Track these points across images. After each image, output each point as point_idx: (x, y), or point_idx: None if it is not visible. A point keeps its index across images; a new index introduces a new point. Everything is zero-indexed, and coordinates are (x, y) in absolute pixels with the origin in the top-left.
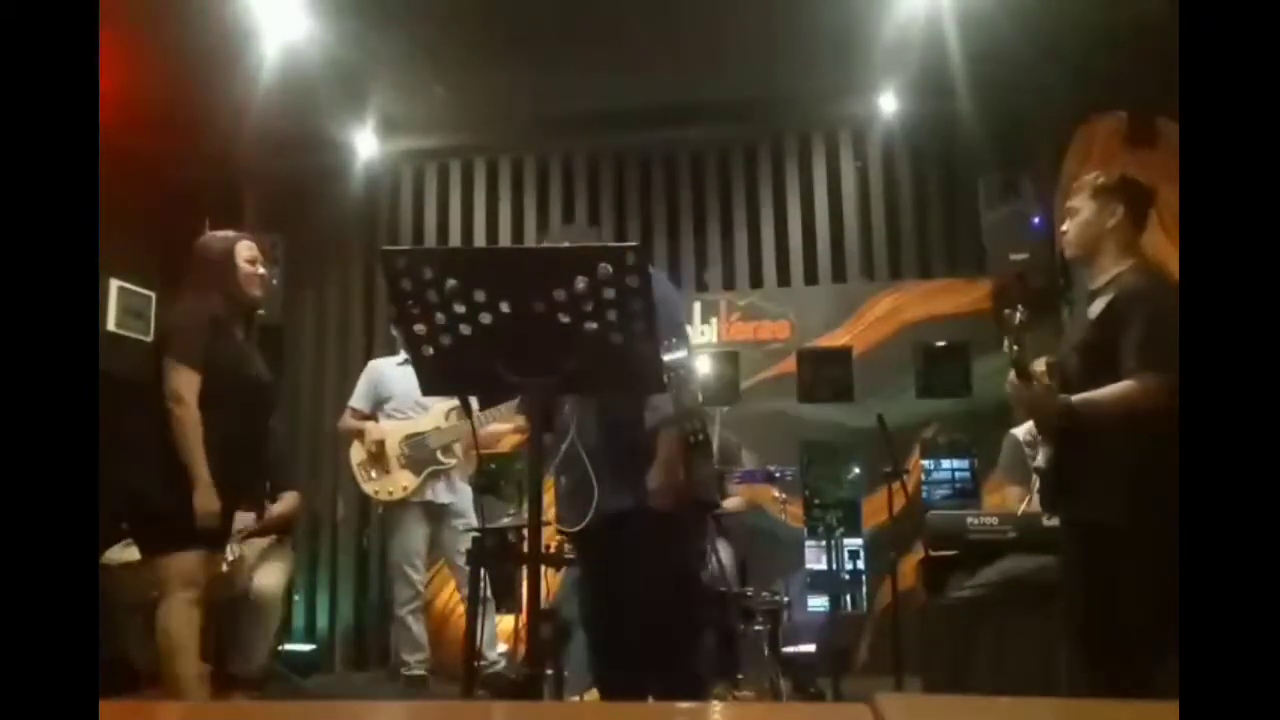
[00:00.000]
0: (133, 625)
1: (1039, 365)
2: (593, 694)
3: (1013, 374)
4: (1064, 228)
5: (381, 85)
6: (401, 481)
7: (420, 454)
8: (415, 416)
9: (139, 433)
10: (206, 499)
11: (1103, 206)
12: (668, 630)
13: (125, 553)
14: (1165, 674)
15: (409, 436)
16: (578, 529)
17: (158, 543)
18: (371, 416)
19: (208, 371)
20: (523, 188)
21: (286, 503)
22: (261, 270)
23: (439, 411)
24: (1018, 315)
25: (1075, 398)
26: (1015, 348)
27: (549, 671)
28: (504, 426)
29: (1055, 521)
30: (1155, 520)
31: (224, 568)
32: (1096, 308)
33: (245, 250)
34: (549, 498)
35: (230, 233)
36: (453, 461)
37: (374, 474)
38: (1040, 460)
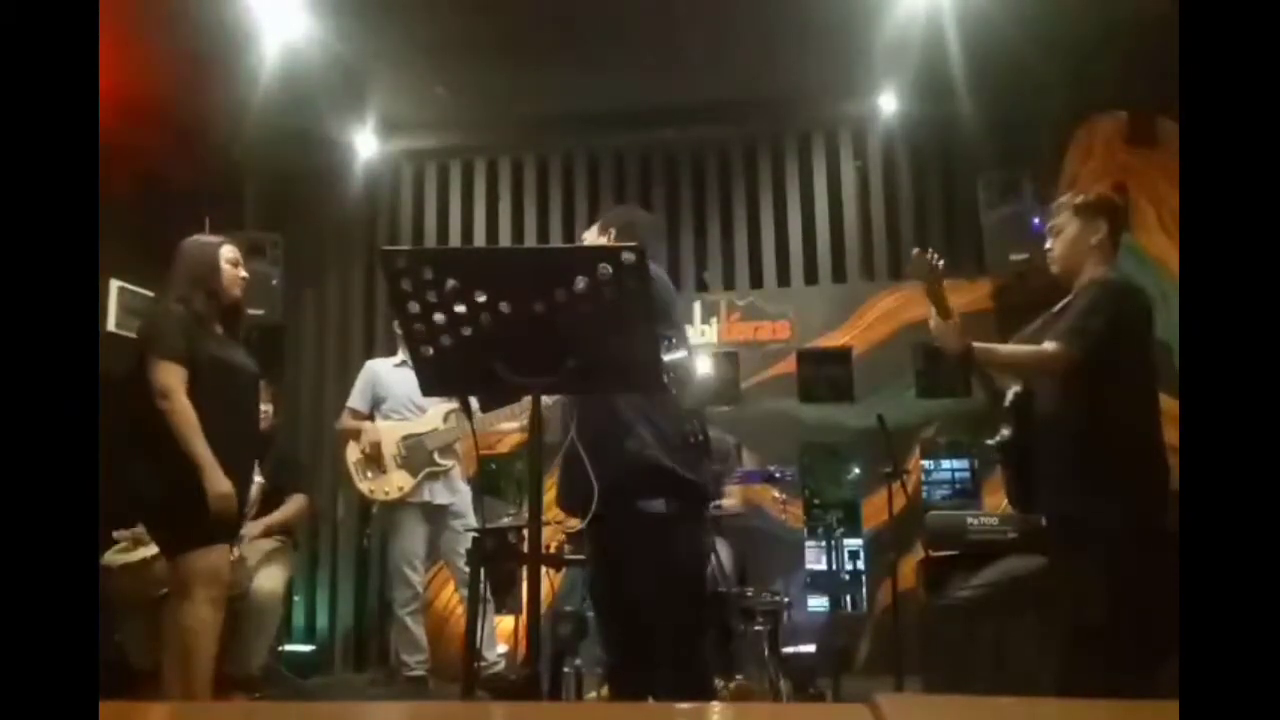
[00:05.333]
0: (133, 625)
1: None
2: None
3: (934, 312)
4: (1048, 245)
5: (381, 85)
6: (397, 481)
7: (417, 455)
8: (411, 417)
9: (147, 431)
10: (217, 481)
11: (1086, 223)
12: (672, 628)
13: (125, 553)
14: (1166, 671)
15: (406, 437)
16: (583, 525)
17: (180, 541)
18: (369, 417)
19: (191, 366)
20: (523, 188)
21: (291, 506)
22: (243, 273)
23: (436, 414)
24: (931, 256)
25: (977, 345)
26: (931, 284)
27: (566, 669)
28: (510, 425)
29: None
30: (1109, 510)
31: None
32: (1059, 306)
33: (228, 252)
34: (549, 497)
35: (214, 237)
36: (450, 463)
37: (370, 473)
38: (996, 442)
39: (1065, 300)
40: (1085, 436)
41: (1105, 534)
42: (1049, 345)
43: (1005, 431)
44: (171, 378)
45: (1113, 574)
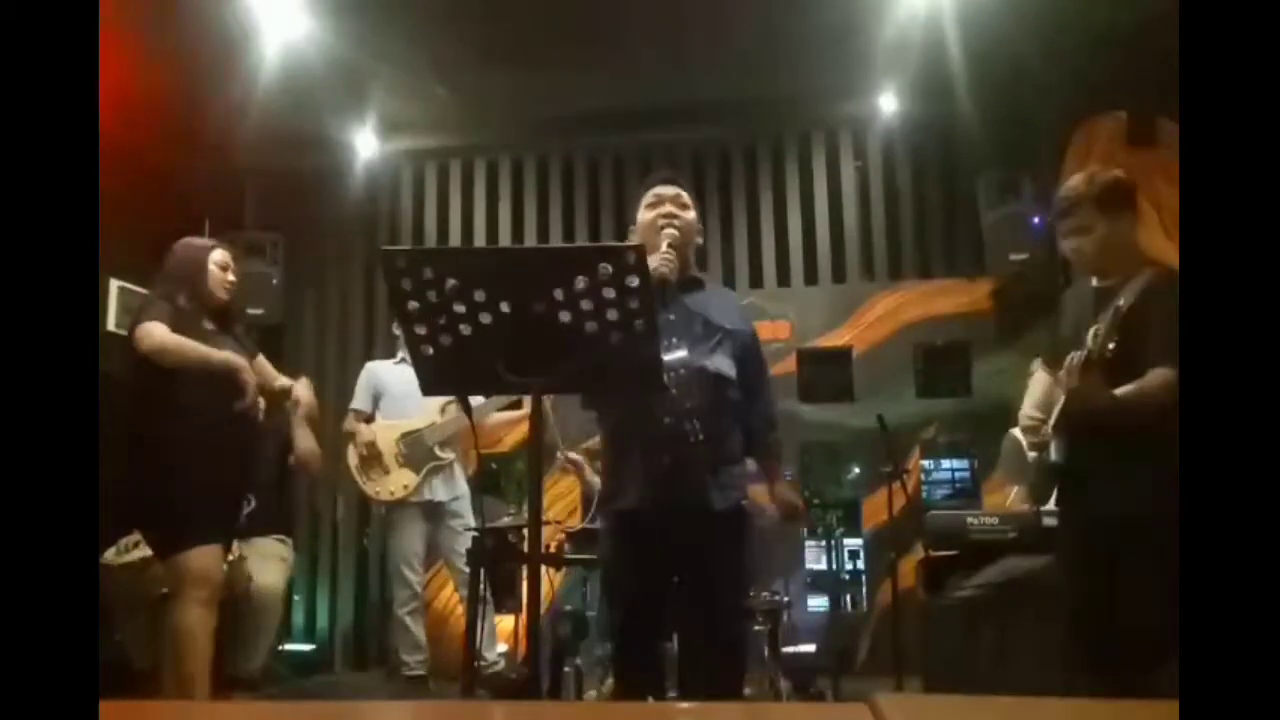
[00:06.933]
0: (133, 625)
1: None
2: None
3: (1074, 359)
4: (1073, 244)
5: (381, 85)
6: (402, 480)
7: (418, 451)
8: (410, 414)
9: (144, 432)
10: (239, 365)
11: (1115, 218)
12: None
13: (125, 553)
14: (1166, 673)
15: (405, 434)
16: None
17: (173, 541)
18: (373, 417)
19: None
20: (523, 188)
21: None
22: (231, 276)
23: (433, 407)
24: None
25: (1119, 393)
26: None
27: (566, 669)
28: (511, 415)
29: (1053, 520)
30: (1174, 511)
31: (225, 566)
32: (1125, 303)
33: (218, 256)
34: (550, 496)
35: (207, 240)
36: (451, 456)
37: (372, 475)
38: (1053, 454)
39: (1125, 305)
40: (1150, 434)
41: (1159, 531)
42: (1163, 371)
43: (1057, 442)
44: (155, 331)
45: (1162, 570)
